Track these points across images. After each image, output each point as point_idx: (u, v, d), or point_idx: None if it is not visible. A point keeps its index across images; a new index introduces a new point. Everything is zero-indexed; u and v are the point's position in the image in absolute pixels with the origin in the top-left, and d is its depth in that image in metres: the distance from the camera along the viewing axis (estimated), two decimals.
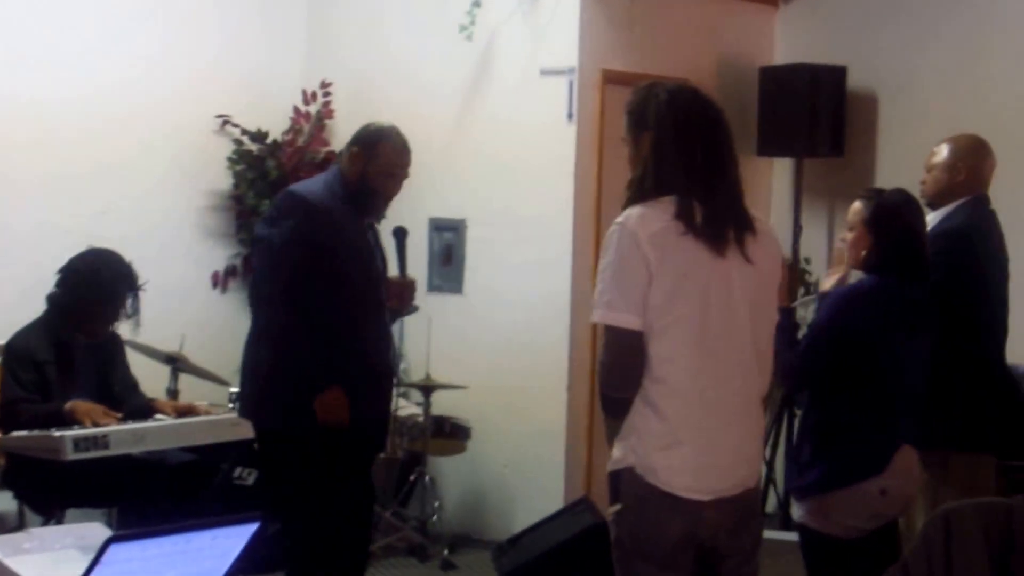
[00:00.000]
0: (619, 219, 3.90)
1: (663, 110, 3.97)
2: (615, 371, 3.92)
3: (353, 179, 5.58)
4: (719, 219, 3.91)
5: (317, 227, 5.41)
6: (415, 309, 6.39)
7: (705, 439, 3.91)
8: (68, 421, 5.97)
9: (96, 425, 5.96)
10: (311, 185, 5.68)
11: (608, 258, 3.88)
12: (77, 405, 6.10)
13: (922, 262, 5.02)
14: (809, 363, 4.85)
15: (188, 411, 6.58)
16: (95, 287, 6.41)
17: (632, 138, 4.05)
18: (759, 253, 3.99)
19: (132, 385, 6.69)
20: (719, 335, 3.92)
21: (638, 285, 3.82)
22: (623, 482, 3.92)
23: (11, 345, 6.33)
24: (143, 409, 6.50)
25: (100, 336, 6.50)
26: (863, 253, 4.98)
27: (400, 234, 5.96)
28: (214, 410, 6.89)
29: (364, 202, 5.60)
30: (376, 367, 5.66)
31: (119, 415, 6.19)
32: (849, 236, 5.04)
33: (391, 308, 5.79)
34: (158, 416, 6.34)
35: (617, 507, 3.94)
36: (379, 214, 5.74)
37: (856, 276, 5.14)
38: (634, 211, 3.89)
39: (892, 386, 4.92)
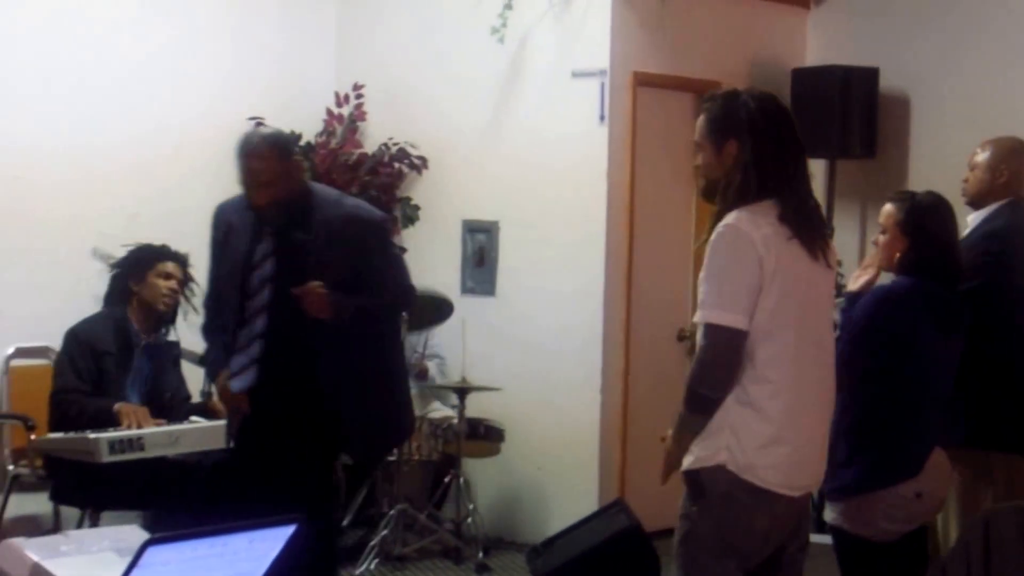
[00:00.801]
0: (727, 221, 3.97)
1: (757, 117, 4.05)
2: (717, 370, 3.98)
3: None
4: (811, 224, 4.05)
5: (214, 234, 5.73)
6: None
7: (802, 438, 4.04)
8: (113, 421, 6.01)
9: (137, 428, 6.01)
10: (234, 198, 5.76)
11: (719, 259, 3.94)
12: (124, 407, 6.15)
13: (954, 264, 5.02)
14: (843, 365, 4.84)
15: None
16: (143, 258, 6.68)
17: (713, 144, 4.10)
18: (832, 259, 4.17)
19: (184, 397, 6.73)
20: (813, 337, 4.07)
21: (749, 286, 3.92)
22: (708, 478, 4.00)
23: (75, 332, 6.40)
24: (200, 411, 6.58)
25: (163, 316, 6.66)
26: (896, 255, 4.97)
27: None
28: None
29: (251, 206, 5.58)
30: (268, 370, 5.54)
31: (162, 422, 6.22)
32: (882, 239, 5.04)
33: (312, 315, 5.44)
34: (193, 418, 6.36)
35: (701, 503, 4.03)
36: (268, 222, 5.54)
37: (887, 278, 5.13)
38: (741, 214, 3.96)
39: (926, 388, 4.91)
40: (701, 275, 4.03)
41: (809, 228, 4.04)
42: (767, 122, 4.05)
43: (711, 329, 3.96)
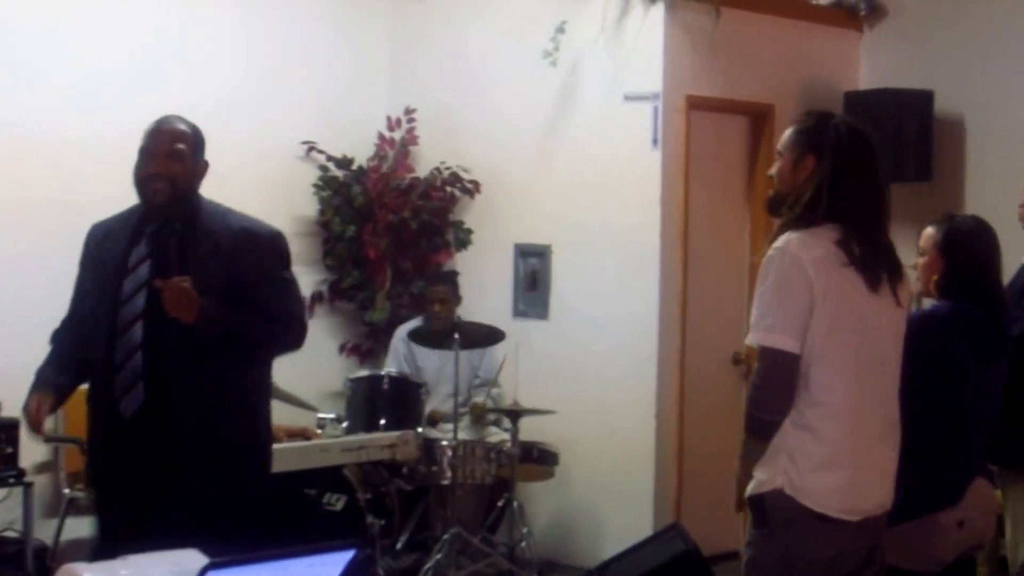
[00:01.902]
0: (778, 244, 3.99)
1: (846, 142, 4.07)
2: (771, 394, 4.00)
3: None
4: (876, 257, 4.04)
5: (84, 250, 5.02)
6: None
7: (859, 462, 4.03)
8: None
9: None
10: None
11: (769, 281, 3.96)
12: None
13: (993, 287, 4.97)
14: None
15: (299, 434, 6.62)
16: None
17: (792, 154, 4.13)
18: (904, 297, 4.16)
19: None
20: (871, 364, 4.05)
21: (800, 309, 3.93)
22: (769, 504, 4.00)
23: None
24: None
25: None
26: (934, 278, 4.94)
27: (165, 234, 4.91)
28: (323, 434, 6.94)
29: (144, 206, 4.89)
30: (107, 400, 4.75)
31: None
32: (920, 261, 5.01)
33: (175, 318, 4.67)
34: None
35: (765, 530, 4.02)
36: (155, 209, 4.84)
37: (927, 303, 5.10)
38: (793, 236, 3.99)
39: (966, 413, 4.85)
40: (755, 296, 4.04)
41: (872, 259, 4.03)
42: (853, 148, 4.06)
43: (764, 352, 3.98)
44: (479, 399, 8.06)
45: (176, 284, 4.59)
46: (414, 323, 8.30)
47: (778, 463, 3.98)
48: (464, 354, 7.65)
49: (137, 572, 2.89)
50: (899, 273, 4.16)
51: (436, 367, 8.12)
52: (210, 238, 4.84)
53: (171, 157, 4.86)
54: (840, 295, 3.96)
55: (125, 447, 4.71)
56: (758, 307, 4.00)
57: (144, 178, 4.83)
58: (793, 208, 4.07)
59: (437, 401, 8.01)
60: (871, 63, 8.92)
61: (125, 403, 4.68)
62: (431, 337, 7.82)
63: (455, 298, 8.26)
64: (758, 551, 4.06)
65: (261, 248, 4.91)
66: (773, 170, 4.22)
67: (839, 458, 3.98)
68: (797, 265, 3.93)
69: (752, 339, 4.01)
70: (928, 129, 8.33)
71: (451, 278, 8.37)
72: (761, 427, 4.02)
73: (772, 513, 4.00)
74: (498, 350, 8.06)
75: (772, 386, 3.99)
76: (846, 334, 3.98)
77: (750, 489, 4.05)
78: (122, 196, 4.96)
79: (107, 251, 4.86)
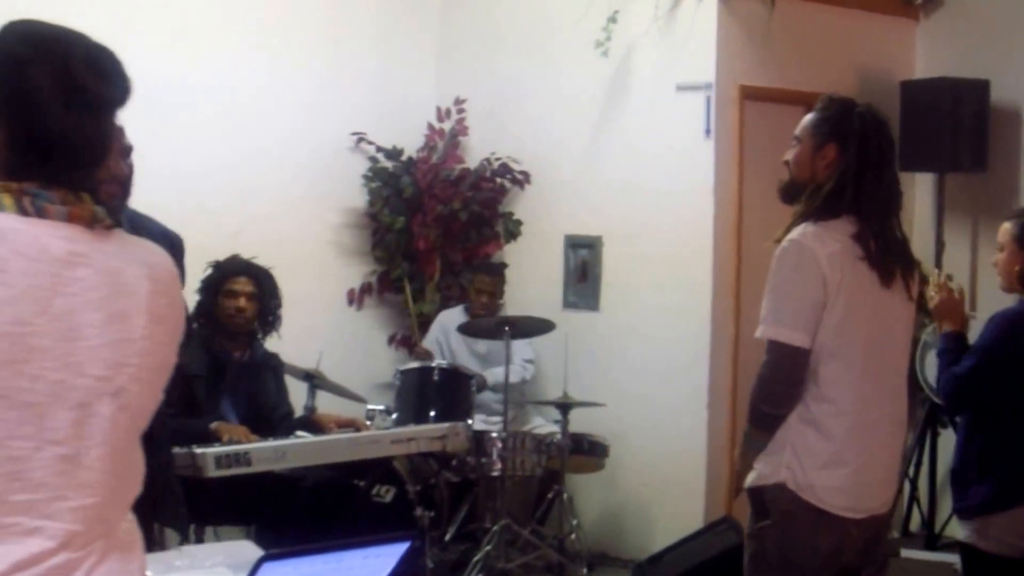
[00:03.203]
0: (792, 236, 3.95)
1: (871, 132, 4.02)
2: (777, 388, 3.97)
3: None
4: (891, 253, 3.99)
5: None
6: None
7: (865, 460, 3.98)
8: (212, 440, 6.01)
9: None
10: None
11: (781, 275, 3.91)
12: (221, 426, 6.15)
13: None
14: (972, 386, 4.77)
15: (350, 425, 6.63)
16: (214, 278, 6.59)
17: (813, 141, 4.06)
18: (915, 291, 4.13)
19: (286, 412, 6.73)
20: (880, 360, 4.01)
21: (812, 304, 3.88)
22: (769, 497, 3.97)
23: None
24: (307, 424, 6.58)
25: (245, 334, 6.60)
26: (1016, 270, 4.88)
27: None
28: (372, 425, 6.94)
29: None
30: None
31: (260, 439, 6.19)
32: (1000, 257, 4.94)
33: None
34: (298, 433, 6.37)
35: (766, 522, 3.98)
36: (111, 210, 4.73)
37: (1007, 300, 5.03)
38: (808, 229, 3.94)
39: None
40: (766, 288, 3.99)
41: (887, 254, 3.99)
42: (877, 139, 4.02)
43: (772, 346, 3.96)
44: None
45: None
46: (457, 312, 8.28)
47: (782, 457, 3.95)
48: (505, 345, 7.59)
49: (193, 563, 2.89)
50: (912, 267, 4.13)
51: (473, 356, 8.08)
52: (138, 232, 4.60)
53: (123, 156, 4.56)
54: (853, 291, 3.92)
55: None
56: (769, 300, 3.98)
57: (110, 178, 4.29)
58: (813, 198, 4.01)
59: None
60: (927, 52, 8.82)
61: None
62: (481, 329, 7.79)
63: (499, 291, 8.22)
64: (759, 544, 4.02)
65: (181, 254, 4.81)
66: (788, 156, 4.14)
67: (845, 456, 3.93)
68: (811, 259, 3.89)
69: (762, 332, 3.99)
70: (984, 119, 8.23)
71: (498, 270, 8.34)
72: (765, 420, 4.00)
73: (772, 506, 3.96)
74: (540, 340, 8.02)
75: (780, 380, 3.96)
76: (857, 330, 3.94)
77: (750, 480, 4.02)
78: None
79: None
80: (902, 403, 4.12)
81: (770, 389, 3.98)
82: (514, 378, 7.81)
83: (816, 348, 3.90)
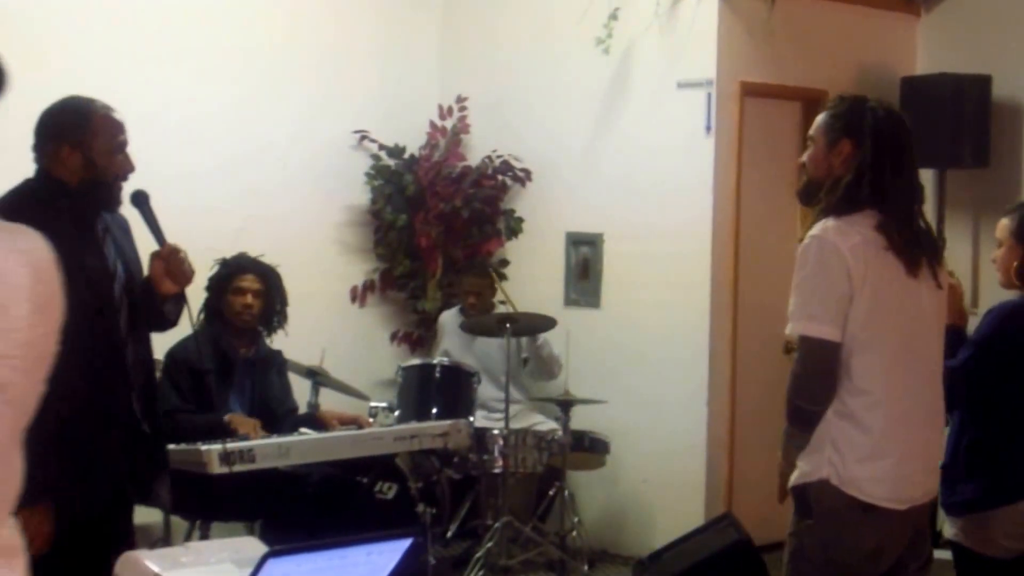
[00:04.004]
0: (814, 232, 3.96)
1: (883, 125, 4.04)
2: (813, 383, 3.98)
3: (77, 179, 4.39)
4: (916, 241, 4.02)
5: None
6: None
7: (904, 450, 4.00)
8: (227, 432, 6.05)
9: (249, 439, 6.04)
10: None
11: (807, 270, 3.93)
12: (235, 417, 6.21)
13: None
14: (966, 379, 4.77)
15: (352, 422, 6.67)
16: (222, 275, 6.67)
17: (827, 139, 4.09)
18: (943, 280, 4.15)
19: (290, 408, 6.78)
20: (913, 350, 4.03)
21: (839, 297, 3.90)
22: (813, 495, 3.98)
23: (172, 354, 6.44)
24: (311, 421, 6.61)
25: (251, 331, 6.66)
26: (1014, 265, 4.88)
27: (141, 199, 4.72)
28: (375, 423, 6.97)
29: (101, 197, 4.47)
30: (109, 412, 4.45)
31: (270, 434, 6.24)
32: (998, 253, 4.94)
33: (169, 294, 4.54)
34: (302, 430, 6.39)
35: (808, 521, 3.99)
36: (116, 202, 4.54)
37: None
38: (829, 224, 3.95)
39: None
40: (793, 285, 4.01)
41: (913, 243, 4.01)
42: (892, 131, 4.04)
43: (804, 341, 3.96)
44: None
45: (173, 249, 4.51)
46: (453, 312, 8.29)
47: (823, 453, 3.96)
48: (502, 342, 7.60)
49: (199, 559, 2.90)
50: (938, 256, 4.14)
51: (478, 355, 8.09)
52: (120, 222, 4.63)
53: (126, 154, 4.52)
54: (880, 281, 3.93)
55: (141, 462, 4.62)
56: (797, 296, 3.97)
57: (121, 175, 4.49)
58: (832, 193, 4.03)
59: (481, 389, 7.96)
60: (928, 48, 8.83)
61: (145, 419, 4.56)
62: (482, 326, 7.80)
63: (490, 290, 8.20)
64: (801, 541, 4.04)
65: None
66: (804, 157, 4.17)
67: (884, 447, 3.95)
68: (835, 252, 3.90)
69: (792, 329, 3.99)
70: (985, 114, 8.25)
71: (485, 271, 8.30)
72: (803, 416, 4.01)
73: (816, 504, 3.98)
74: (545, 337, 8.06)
75: (814, 375, 3.97)
76: (887, 320, 3.96)
77: (793, 479, 4.04)
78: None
79: (66, 256, 4.33)
80: (938, 391, 4.14)
81: (805, 385, 3.99)
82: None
83: (847, 341, 3.91)
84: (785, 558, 4.11)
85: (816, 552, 3.99)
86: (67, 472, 4.11)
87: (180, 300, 4.58)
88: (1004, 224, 4.96)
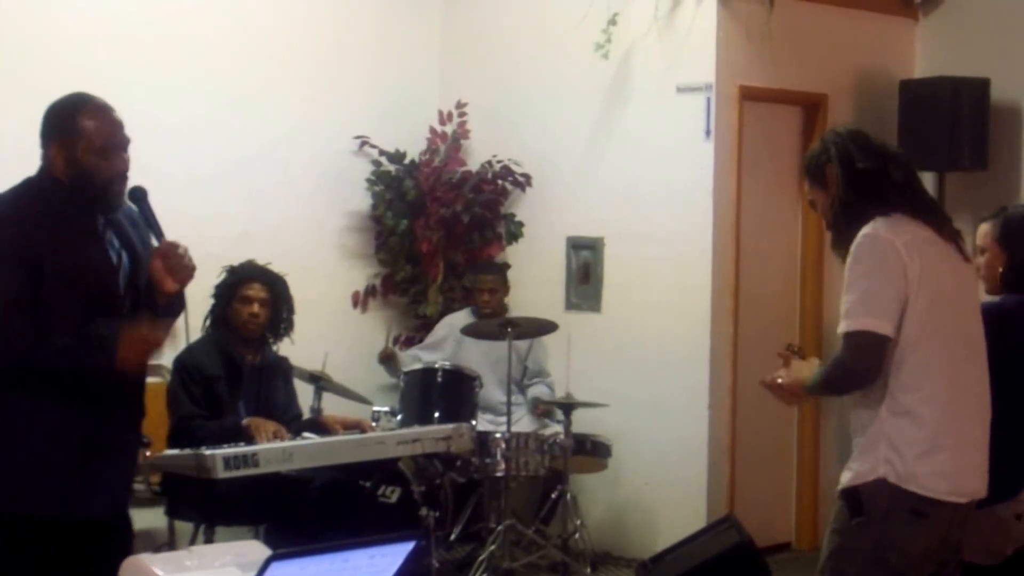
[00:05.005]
0: (865, 231, 3.99)
1: (847, 139, 4.18)
2: (860, 376, 4.00)
3: (66, 177, 4.31)
4: (946, 223, 4.13)
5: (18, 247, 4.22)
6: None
7: (961, 442, 4.02)
8: (245, 436, 6.08)
9: (275, 440, 6.08)
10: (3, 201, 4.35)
11: (862, 267, 3.96)
12: (254, 421, 6.24)
13: None
14: None
15: (355, 427, 6.69)
16: (229, 283, 6.70)
17: (818, 182, 4.24)
18: (966, 250, 4.21)
19: (295, 415, 6.82)
20: (964, 337, 4.07)
21: (896, 292, 3.94)
22: (867, 495, 3.99)
23: (181, 360, 6.46)
24: (314, 425, 6.64)
25: (257, 338, 6.69)
26: (999, 271, 4.89)
27: (138, 195, 4.52)
28: (377, 427, 6.99)
29: (90, 197, 4.32)
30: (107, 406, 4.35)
31: (290, 434, 6.30)
32: (981, 259, 4.96)
33: (171, 291, 4.40)
34: (305, 435, 6.42)
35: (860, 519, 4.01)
36: (113, 204, 4.40)
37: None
38: (878, 223, 4.00)
39: None
40: (846, 283, 4.04)
41: (941, 224, 4.10)
42: (855, 135, 4.17)
43: (857, 335, 3.95)
44: (538, 394, 8.06)
45: (171, 246, 4.38)
46: (464, 314, 8.32)
47: (877, 452, 3.98)
48: (508, 346, 7.63)
49: (202, 563, 2.92)
50: (956, 229, 4.19)
51: (481, 358, 8.11)
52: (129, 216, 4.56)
53: (125, 150, 4.41)
54: (934, 274, 3.98)
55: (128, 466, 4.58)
56: (852, 293, 3.99)
57: (113, 176, 4.35)
58: (834, 205, 4.14)
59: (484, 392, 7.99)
60: (926, 51, 8.85)
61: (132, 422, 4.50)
62: (484, 330, 7.82)
63: (503, 288, 8.29)
64: (848, 540, 4.04)
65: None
66: (819, 211, 4.28)
67: (942, 440, 3.97)
68: (890, 248, 3.95)
69: (847, 326, 3.98)
70: (984, 117, 8.26)
71: (499, 268, 8.39)
72: (833, 392, 4.21)
73: (869, 504, 3.98)
74: (546, 341, 8.09)
75: (861, 368, 3.98)
76: (944, 314, 4.00)
77: (845, 481, 4.05)
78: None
79: (67, 250, 4.25)
80: (986, 381, 4.16)
81: (850, 376, 4.02)
82: (537, 390, 8.11)
83: (903, 338, 3.94)
84: (824, 554, 4.11)
85: (863, 551, 4.00)
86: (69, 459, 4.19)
87: (180, 299, 4.49)
88: (985, 230, 4.96)
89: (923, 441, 3.95)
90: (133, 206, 4.52)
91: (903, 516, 3.95)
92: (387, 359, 8.20)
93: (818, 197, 4.22)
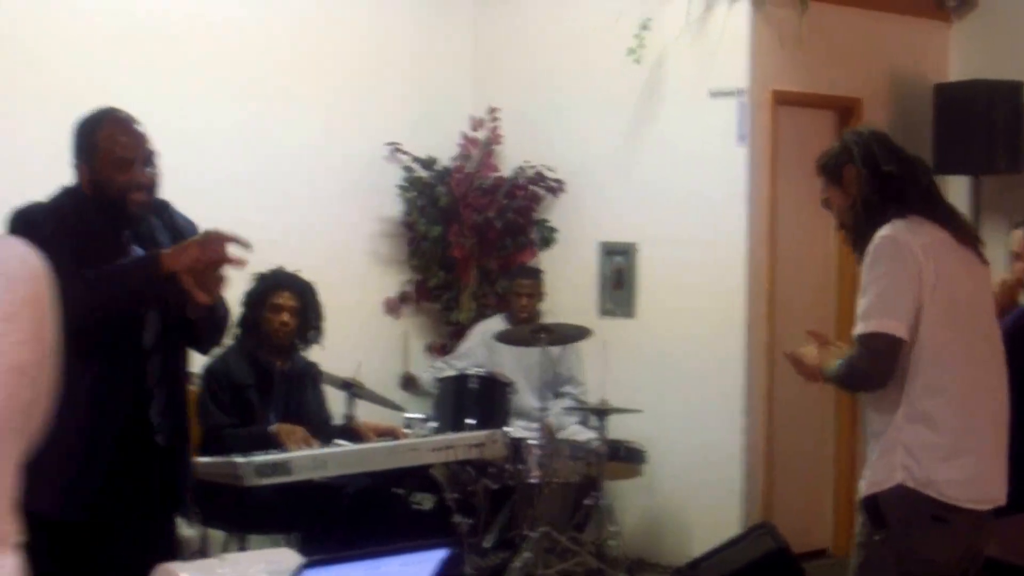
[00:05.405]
0: (883, 233, 3.97)
1: (866, 138, 4.16)
2: (874, 379, 3.99)
3: (90, 191, 4.33)
4: (962, 224, 4.10)
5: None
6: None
7: (981, 448, 3.98)
8: (274, 444, 6.07)
9: (303, 447, 6.06)
10: (40, 204, 4.35)
11: (878, 269, 3.94)
12: (282, 427, 6.22)
13: None
14: None
15: (389, 433, 6.68)
16: (259, 290, 6.68)
17: (835, 183, 4.20)
18: (983, 254, 4.16)
19: (325, 419, 6.80)
20: (983, 340, 4.05)
21: (911, 295, 3.91)
22: (885, 504, 3.96)
23: (211, 369, 6.47)
24: (347, 432, 6.64)
25: (292, 352, 6.68)
26: None
27: (160, 208, 4.55)
28: (411, 434, 6.98)
29: (110, 210, 4.33)
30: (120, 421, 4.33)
31: (318, 441, 6.27)
32: (1018, 267, 4.92)
33: (202, 303, 4.29)
34: (337, 441, 6.41)
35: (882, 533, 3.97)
36: (133, 220, 4.38)
37: None
38: (897, 224, 3.97)
39: None
40: (863, 286, 4.02)
41: (958, 227, 4.07)
42: (879, 137, 4.16)
43: (872, 338, 3.93)
44: (552, 414, 7.99)
45: (190, 245, 4.27)
46: (496, 321, 8.31)
47: (894, 458, 3.94)
48: (541, 352, 7.61)
49: (234, 570, 2.92)
50: (974, 232, 4.18)
51: (514, 364, 8.10)
52: (172, 231, 4.55)
53: (148, 163, 4.39)
54: (951, 278, 3.95)
55: (155, 473, 4.42)
56: (869, 295, 3.97)
57: (132, 190, 4.31)
58: (855, 208, 4.10)
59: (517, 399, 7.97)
60: (960, 55, 8.80)
61: (162, 431, 4.40)
62: (517, 336, 7.81)
63: (539, 293, 8.29)
64: (871, 553, 4.01)
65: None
66: (833, 214, 4.25)
67: (961, 446, 3.93)
68: (906, 251, 3.92)
69: (863, 328, 3.96)
70: (1018, 120, 8.21)
71: (536, 273, 8.39)
72: (847, 389, 4.19)
73: (889, 512, 3.95)
74: (579, 347, 8.07)
75: (875, 371, 3.96)
76: (962, 318, 3.97)
77: (864, 489, 4.02)
78: None
79: (91, 263, 4.17)
80: (1004, 381, 4.12)
81: (865, 379, 4.02)
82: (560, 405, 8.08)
83: (919, 342, 3.91)
84: (851, 570, 4.08)
85: (890, 564, 3.96)
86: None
87: (215, 312, 4.45)
88: (1019, 236, 4.93)
89: (941, 447, 3.91)
90: (156, 220, 4.51)
91: (924, 523, 3.91)
92: (409, 383, 8.16)
93: (834, 197, 4.18)
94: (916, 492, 3.89)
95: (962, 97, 8.21)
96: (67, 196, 4.37)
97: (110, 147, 4.29)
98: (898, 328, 3.88)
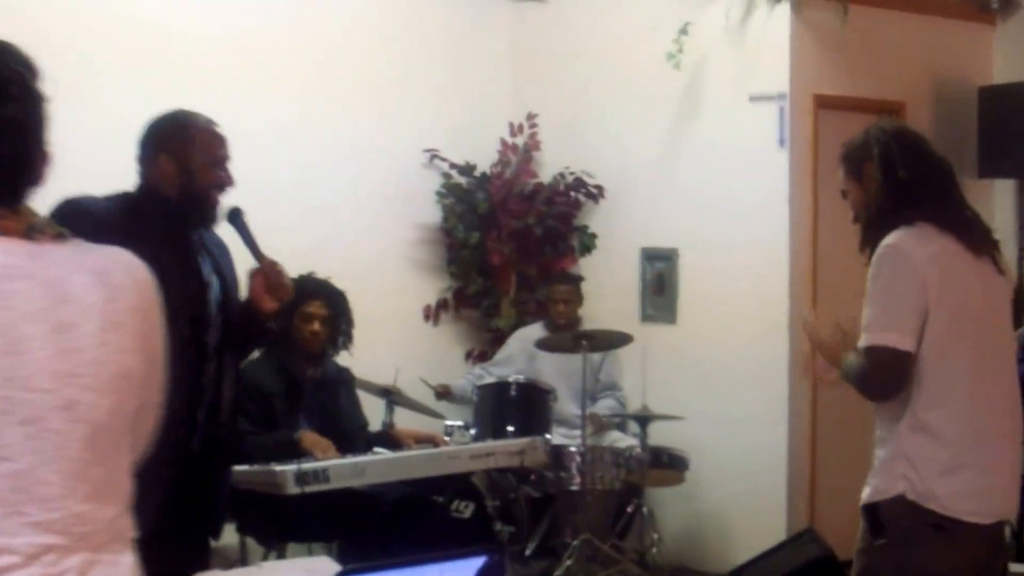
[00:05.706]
0: (887, 241, 3.92)
1: (890, 136, 4.08)
2: (877, 390, 3.96)
3: (175, 190, 4.38)
4: (973, 232, 4.00)
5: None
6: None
7: (985, 462, 3.91)
8: (297, 450, 6.04)
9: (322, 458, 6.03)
10: (97, 199, 4.33)
11: (881, 281, 3.89)
12: (306, 435, 6.19)
13: None
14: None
15: (428, 441, 6.65)
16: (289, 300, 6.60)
17: (854, 177, 4.14)
18: (1002, 264, 4.08)
19: (361, 425, 6.77)
20: (992, 352, 3.97)
21: (915, 307, 3.86)
22: (886, 513, 3.91)
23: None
24: (386, 440, 6.60)
25: (323, 359, 6.63)
26: None
27: (236, 216, 4.69)
28: (451, 441, 6.95)
29: (194, 211, 4.42)
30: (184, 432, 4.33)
31: (341, 455, 6.21)
32: None
33: (270, 310, 4.47)
34: (377, 449, 6.38)
35: (882, 541, 3.92)
36: (210, 218, 4.51)
37: None
38: (903, 233, 3.92)
39: None
40: (867, 296, 3.97)
41: (973, 236, 3.98)
42: (901, 138, 4.07)
43: (877, 351, 3.89)
44: (598, 408, 7.98)
45: (271, 264, 4.40)
46: (535, 328, 8.28)
47: (896, 468, 3.89)
48: (582, 358, 7.58)
49: None
50: (993, 240, 4.08)
51: (554, 371, 8.06)
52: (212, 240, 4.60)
53: (228, 165, 4.54)
54: (957, 288, 3.88)
55: (192, 481, 4.37)
56: (871, 307, 3.93)
57: (218, 182, 4.47)
58: (869, 209, 4.04)
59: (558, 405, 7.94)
60: (1004, 57, 8.72)
61: (199, 435, 4.39)
62: (558, 343, 7.78)
63: (577, 299, 8.25)
64: (870, 561, 3.96)
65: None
66: (849, 205, 4.19)
67: (964, 459, 3.86)
68: (908, 262, 3.86)
69: (866, 341, 3.92)
70: None
71: (573, 279, 8.35)
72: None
73: (889, 522, 3.90)
74: (620, 354, 8.03)
75: (881, 383, 3.92)
76: (967, 328, 3.90)
77: (865, 497, 3.98)
78: None
79: (164, 264, 4.31)
80: (1016, 400, 4.05)
81: (871, 389, 3.97)
82: (601, 403, 7.96)
83: (924, 352, 3.86)
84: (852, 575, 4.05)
85: (889, 573, 3.91)
86: None
87: (280, 316, 4.56)
88: None
89: (943, 460, 3.85)
90: (219, 235, 4.56)
91: (925, 534, 3.85)
92: (443, 395, 8.11)
93: (852, 190, 4.13)
94: (916, 504, 3.84)
95: (1007, 99, 8.14)
96: (133, 201, 4.36)
97: (208, 141, 4.42)
98: (903, 341, 3.83)
